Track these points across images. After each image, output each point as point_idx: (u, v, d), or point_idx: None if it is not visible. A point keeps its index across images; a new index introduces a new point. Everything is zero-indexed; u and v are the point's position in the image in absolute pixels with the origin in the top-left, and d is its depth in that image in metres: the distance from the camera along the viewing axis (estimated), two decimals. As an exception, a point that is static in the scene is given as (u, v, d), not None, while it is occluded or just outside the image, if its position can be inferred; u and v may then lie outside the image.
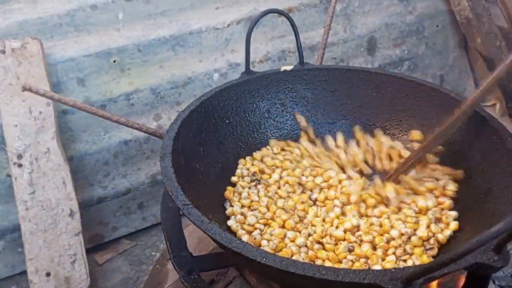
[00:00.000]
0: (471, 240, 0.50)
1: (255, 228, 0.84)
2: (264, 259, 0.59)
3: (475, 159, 0.89)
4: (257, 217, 0.85)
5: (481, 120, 0.89)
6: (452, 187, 0.89)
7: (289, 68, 1.06)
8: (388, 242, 0.81)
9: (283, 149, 1.04)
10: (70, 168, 1.25)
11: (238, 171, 0.97)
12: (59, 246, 1.19)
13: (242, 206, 0.90)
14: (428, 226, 0.82)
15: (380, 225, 0.83)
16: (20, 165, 1.19)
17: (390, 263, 0.76)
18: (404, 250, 0.79)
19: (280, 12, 1.04)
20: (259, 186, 0.94)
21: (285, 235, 0.81)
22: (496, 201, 0.79)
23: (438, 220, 0.84)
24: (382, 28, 1.75)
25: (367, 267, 0.76)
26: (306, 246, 0.80)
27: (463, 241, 0.80)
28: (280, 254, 0.78)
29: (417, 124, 1.01)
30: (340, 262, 0.77)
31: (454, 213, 0.86)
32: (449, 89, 1.00)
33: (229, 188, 0.93)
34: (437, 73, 1.92)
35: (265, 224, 0.84)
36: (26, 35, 1.27)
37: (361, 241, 0.81)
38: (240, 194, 0.93)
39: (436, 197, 0.89)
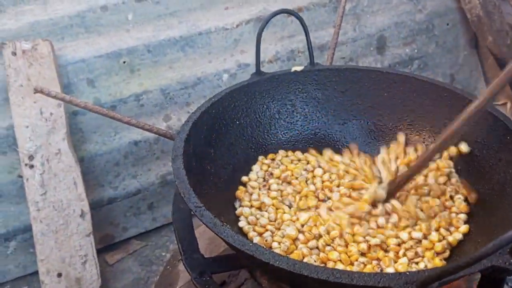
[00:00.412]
0: (488, 244, 0.49)
1: (267, 230, 0.84)
2: (277, 262, 0.59)
3: (488, 159, 0.88)
4: (268, 218, 0.85)
5: (493, 120, 0.88)
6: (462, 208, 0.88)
7: (299, 68, 1.06)
8: (399, 244, 0.80)
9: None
10: (81, 169, 1.26)
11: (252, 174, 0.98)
12: (70, 247, 1.20)
13: (251, 206, 0.90)
14: (437, 230, 0.82)
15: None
16: (31, 166, 1.19)
17: (402, 265, 0.75)
18: (416, 253, 0.78)
19: (291, 13, 1.04)
20: (271, 181, 0.94)
21: (297, 238, 0.81)
22: (510, 202, 0.78)
23: (448, 223, 0.83)
24: (391, 27, 1.74)
25: (380, 269, 0.75)
26: (317, 248, 0.80)
27: (476, 242, 0.80)
28: (291, 256, 0.78)
29: (429, 124, 1.00)
30: (352, 264, 0.77)
31: (464, 216, 0.85)
32: (461, 88, 0.99)
33: (241, 187, 0.94)
34: (447, 72, 1.91)
35: (277, 229, 0.84)
36: (37, 36, 1.28)
37: (370, 245, 0.80)
38: (251, 194, 0.93)
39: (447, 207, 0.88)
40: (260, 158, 1.01)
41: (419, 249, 0.78)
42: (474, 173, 0.90)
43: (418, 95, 1.01)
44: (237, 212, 0.89)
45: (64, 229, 1.20)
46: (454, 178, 0.92)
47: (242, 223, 0.85)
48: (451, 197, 0.88)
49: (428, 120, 1.00)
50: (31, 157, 1.19)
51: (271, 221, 0.85)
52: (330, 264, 0.76)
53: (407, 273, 0.57)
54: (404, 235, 0.80)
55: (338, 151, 1.05)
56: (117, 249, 1.41)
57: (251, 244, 0.62)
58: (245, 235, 0.84)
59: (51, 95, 0.96)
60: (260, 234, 0.82)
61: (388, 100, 1.04)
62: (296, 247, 0.80)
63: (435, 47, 1.85)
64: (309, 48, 1.07)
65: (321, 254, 0.78)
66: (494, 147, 0.87)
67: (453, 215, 0.85)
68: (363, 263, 0.76)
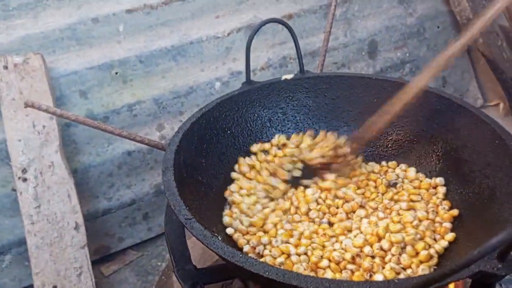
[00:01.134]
0: (474, 251, 0.50)
1: (253, 235, 0.85)
2: (267, 273, 0.59)
3: (478, 164, 0.88)
4: (247, 224, 0.86)
5: (483, 125, 0.88)
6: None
7: (289, 76, 1.07)
8: (384, 251, 0.80)
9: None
10: (75, 180, 1.26)
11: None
12: (65, 260, 1.20)
13: (241, 212, 0.91)
14: (422, 238, 0.82)
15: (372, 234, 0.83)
16: (24, 180, 1.19)
17: (390, 271, 0.76)
18: (398, 259, 0.78)
19: (279, 22, 1.05)
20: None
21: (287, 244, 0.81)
22: (499, 207, 0.78)
23: (433, 232, 0.84)
24: (382, 31, 1.75)
25: (369, 275, 0.76)
26: (306, 254, 0.80)
27: (466, 247, 0.80)
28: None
29: (418, 128, 1.01)
30: (340, 271, 0.77)
31: (449, 225, 0.85)
32: (448, 93, 0.99)
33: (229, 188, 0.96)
34: (439, 75, 1.92)
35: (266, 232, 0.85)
36: (28, 50, 1.28)
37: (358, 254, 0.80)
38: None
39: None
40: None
41: (404, 255, 0.78)
42: (463, 177, 0.90)
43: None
44: (223, 220, 0.89)
45: (58, 242, 1.20)
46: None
47: (229, 230, 0.86)
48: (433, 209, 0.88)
49: (417, 124, 1.01)
50: (24, 171, 1.20)
51: (252, 225, 0.86)
52: (319, 272, 0.77)
53: (396, 280, 0.57)
54: (384, 243, 0.81)
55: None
56: (113, 260, 1.41)
57: (240, 256, 0.62)
58: (235, 242, 0.85)
59: (42, 108, 0.97)
60: (248, 241, 0.83)
61: (378, 106, 1.03)
62: (288, 255, 0.81)
63: (426, 50, 1.86)
64: (298, 56, 1.08)
65: (310, 261, 0.79)
66: (483, 151, 0.88)
67: (437, 224, 0.85)
68: (351, 270, 0.76)
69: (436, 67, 0.88)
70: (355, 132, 1.01)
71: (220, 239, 0.72)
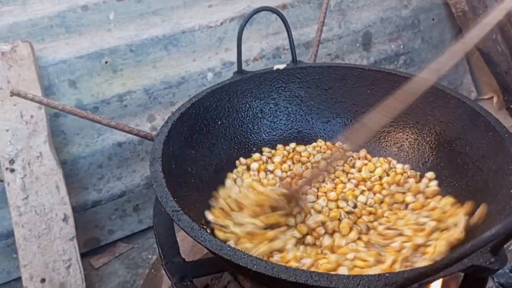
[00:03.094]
0: (466, 245, 0.49)
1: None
2: (255, 266, 0.58)
3: (472, 156, 0.87)
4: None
5: (477, 117, 0.87)
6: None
7: (281, 67, 1.05)
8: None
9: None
10: (64, 171, 1.24)
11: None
12: (53, 252, 1.18)
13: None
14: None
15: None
16: (12, 170, 1.17)
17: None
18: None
19: (272, 10, 1.02)
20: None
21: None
22: (493, 200, 0.77)
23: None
24: (377, 22, 1.74)
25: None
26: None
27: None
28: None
29: (412, 120, 1.00)
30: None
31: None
32: (441, 84, 0.98)
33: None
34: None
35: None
36: (16, 38, 1.25)
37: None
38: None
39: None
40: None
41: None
42: (457, 170, 0.89)
43: (401, 92, 1.00)
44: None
45: (47, 234, 1.18)
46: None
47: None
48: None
49: (411, 116, 1.00)
50: (11, 161, 1.17)
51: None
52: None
53: (387, 274, 0.56)
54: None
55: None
56: (103, 252, 1.40)
57: (228, 248, 0.60)
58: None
59: (28, 97, 0.95)
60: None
61: (372, 98, 1.03)
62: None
63: (421, 43, 1.84)
64: (291, 46, 1.06)
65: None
66: (476, 144, 0.86)
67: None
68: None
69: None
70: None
71: (208, 231, 0.70)
